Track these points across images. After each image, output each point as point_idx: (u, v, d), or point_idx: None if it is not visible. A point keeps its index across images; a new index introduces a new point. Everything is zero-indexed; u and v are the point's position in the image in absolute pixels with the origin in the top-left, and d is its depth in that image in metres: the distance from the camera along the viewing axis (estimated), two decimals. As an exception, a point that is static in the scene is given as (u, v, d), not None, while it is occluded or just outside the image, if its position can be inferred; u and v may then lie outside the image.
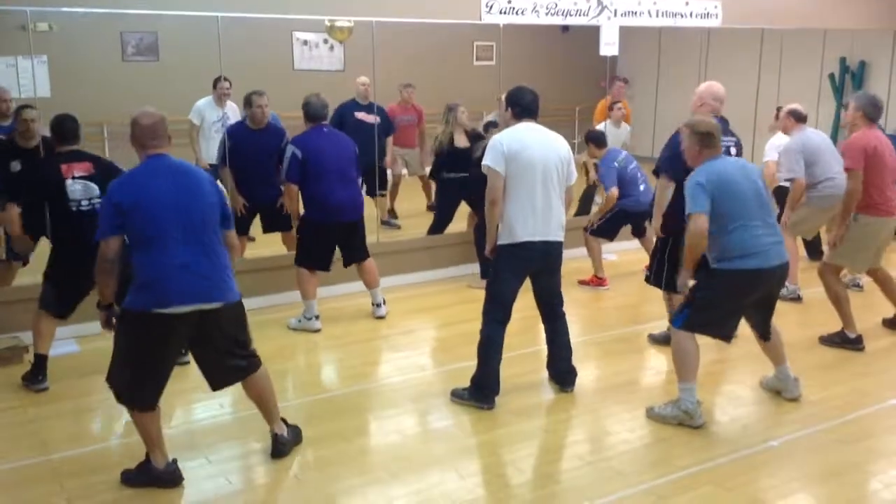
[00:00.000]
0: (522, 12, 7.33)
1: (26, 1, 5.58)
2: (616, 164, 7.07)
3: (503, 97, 4.89)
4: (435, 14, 7.06)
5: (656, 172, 5.24)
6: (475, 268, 7.20)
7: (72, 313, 5.00)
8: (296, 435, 4.22)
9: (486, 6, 7.14)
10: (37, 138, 5.58)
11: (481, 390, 4.67)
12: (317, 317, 5.98)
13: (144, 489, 3.80)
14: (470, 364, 4.74)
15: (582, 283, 7.14)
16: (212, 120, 7.74)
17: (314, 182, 5.79)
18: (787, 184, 6.67)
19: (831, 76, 11.13)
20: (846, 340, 5.60)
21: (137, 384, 3.71)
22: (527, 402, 4.81)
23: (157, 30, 10.34)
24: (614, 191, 6.98)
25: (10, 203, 4.81)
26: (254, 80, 8.25)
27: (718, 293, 4.34)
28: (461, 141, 7.28)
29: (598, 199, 8.29)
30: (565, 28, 9.39)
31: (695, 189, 4.25)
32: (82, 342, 5.64)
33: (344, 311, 6.38)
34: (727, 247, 4.28)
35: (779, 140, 7.31)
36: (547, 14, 7.46)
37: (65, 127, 4.83)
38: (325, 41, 11.47)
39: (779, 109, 7.38)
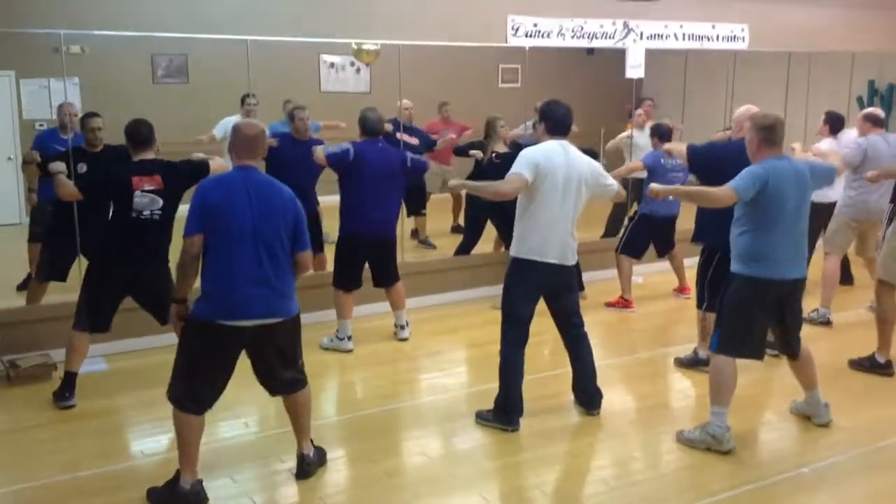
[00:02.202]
0: (548, 35, 7.36)
1: (60, 24, 5.70)
2: (662, 160, 6.92)
3: (537, 107, 4.87)
4: (461, 37, 7.11)
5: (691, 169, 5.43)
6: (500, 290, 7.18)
7: (110, 324, 4.97)
8: (321, 457, 4.21)
9: (512, 29, 7.19)
10: (101, 144, 5.84)
11: (505, 412, 4.64)
12: (349, 337, 6.00)
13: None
14: (496, 385, 4.71)
15: (609, 304, 7.11)
16: None
17: (355, 191, 5.83)
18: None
19: (859, 99, 11.03)
20: (875, 365, 5.51)
21: (193, 388, 3.77)
22: (552, 425, 4.77)
23: (187, 52, 10.46)
24: (638, 163, 6.99)
25: (81, 190, 4.88)
26: (281, 101, 8.35)
27: (737, 301, 4.31)
28: (500, 148, 7.29)
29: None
30: (591, 51, 9.39)
31: (752, 175, 4.16)
32: (111, 360, 5.68)
33: (372, 331, 6.37)
34: (746, 246, 4.25)
35: (825, 145, 7.18)
36: (573, 37, 7.50)
37: (139, 133, 4.86)
38: (352, 64, 11.56)
39: (827, 114, 7.40)
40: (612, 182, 4.70)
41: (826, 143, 7.28)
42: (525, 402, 4.67)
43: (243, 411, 4.16)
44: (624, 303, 7.06)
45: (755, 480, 4.08)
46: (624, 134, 8.63)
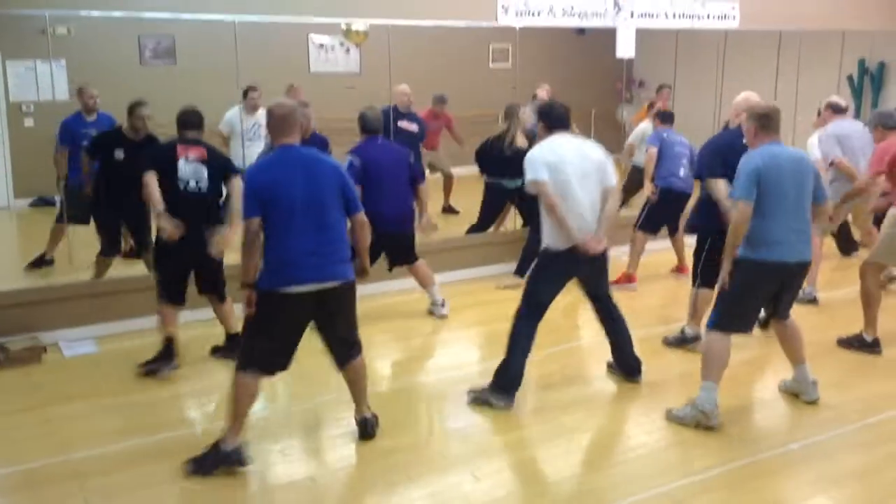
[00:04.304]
0: (538, 14, 7.33)
1: (45, 5, 5.64)
2: (665, 134, 7.10)
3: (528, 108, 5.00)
4: (451, 16, 7.07)
5: (699, 177, 5.44)
6: (504, 268, 7.23)
7: (185, 295, 5.18)
8: (377, 419, 4.38)
9: (503, 8, 7.15)
10: (144, 133, 5.92)
11: (504, 383, 4.67)
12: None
13: (164, 490, 3.83)
14: (490, 366, 4.73)
15: (613, 282, 7.08)
16: (245, 128, 7.80)
17: (368, 192, 5.81)
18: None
19: (850, 78, 11.04)
20: (863, 344, 5.56)
21: (264, 354, 3.97)
22: (543, 404, 4.80)
23: (174, 33, 10.39)
24: (652, 149, 7.04)
25: (146, 172, 4.95)
26: (270, 82, 8.32)
27: (743, 286, 4.37)
28: (521, 142, 7.29)
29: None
30: (581, 30, 9.38)
31: (746, 175, 4.28)
32: (101, 342, 5.67)
33: (369, 313, 6.31)
34: (752, 232, 4.30)
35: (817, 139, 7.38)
36: (563, 16, 7.46)
37: (189, 117, 5.09)
38: (342, 44, 11.49)
39: (827, 104, 7.46)
40: (614, 179, 4.74)
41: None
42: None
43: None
44: (626, 278, 7.09)
45: (744, 457, 4.11)
46: (640, 127, 8.58)
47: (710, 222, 5.16)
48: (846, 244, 7.72)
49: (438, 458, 4.19)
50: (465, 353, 5.82)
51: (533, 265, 4.88)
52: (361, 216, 4.11)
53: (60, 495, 3.82)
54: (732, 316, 4.44)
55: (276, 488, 3.96)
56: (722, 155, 5.08)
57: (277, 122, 3.97)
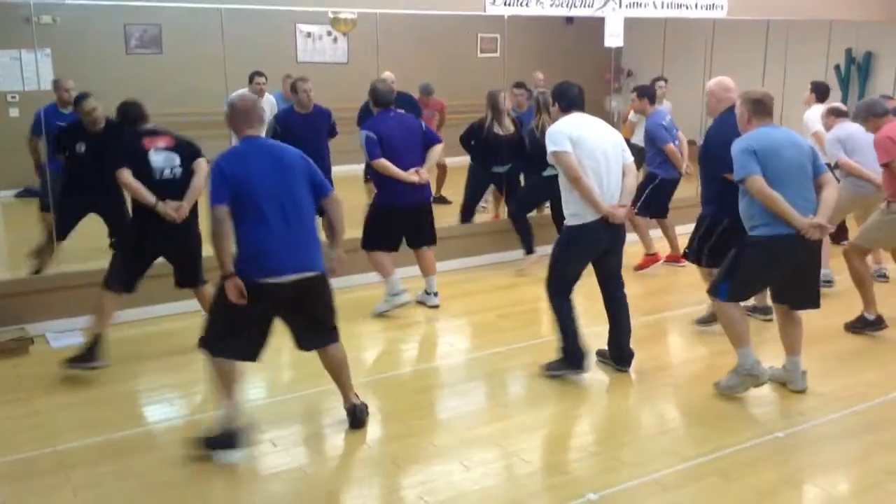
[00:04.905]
0: (527, 4, 7.30)
1: (30, -7, 5.59)
2: (664, 122, 7.13)
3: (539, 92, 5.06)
4: (439, 6, 7.04)
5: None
6: (504, 256, 7.29)
7: (131, 289, 5.11)
8: (366, 407, 4.39)
9: (491, -3, 7.12)
10: (102, 122, 5.90)
11: (574, 356, 4.85)
12: (403, 291, 6.11)
13: (152, 480, 3.82)
14: (488, 353, 4.85)
15: (638, 268, 7.22)
16: None
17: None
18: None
19: (837, 67, 11.09)
20: (866, 324, 5.64)
21: (232, 343, 3.98)
22: (531, 392, 4.81)
23: (160, 22, 10.33)
24: (670, 146, 7.04)
25: (119, 170, 4.91)
26: (258, 70, 8.27)
27: (758, 261, 4.45)
28: (506, 127, 7.35)
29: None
30: (570, 20, 9.37)
31: (743, 155, 4.35)
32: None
33: (359, 303, 6.32)
34: (763, 211, 4.35)
35: (815, 113, 7.49)
36: (552, 5, 7.44)
37: (129, 114, 5.10)
38: (329, 33, 11.45)
39: (813, 83, 7.88)
40: (630, 156, 4.86)
41: (814, 111, 7.52)
42: (507, 371, 4.72)
43: (252, 373, 4.16)
44: (651, 258, 7.22)
45: (732, 445, 4.13)
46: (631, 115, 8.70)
47: (721, 209, 5.16)
48: (837, 232, 7.67)
49: (428, 447, 4.18)
50: (455, 342, 5.81)
51: (556, 243, 4.94)
52: (333, 194, 4.13)
53: (48, 486, 3.80)
54: (743, 289, 4.56)
55: (266, 478, 3.94)
56: (722, 147, 4.90)
57: (239, 115, 4.01)
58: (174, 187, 4.98)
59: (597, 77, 11.32)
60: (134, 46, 10.47)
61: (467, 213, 7.79)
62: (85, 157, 5.86)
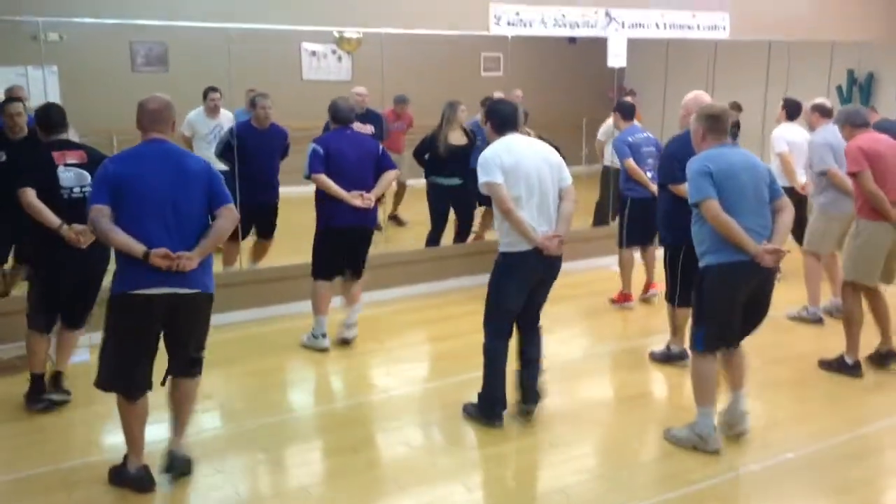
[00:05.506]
0: (530, 24, 7.35)
1: (38, 11, 5.63)
2: (630, 138, 6.75)
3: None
4: (443, 26, 7.09)
5: (662, 185, 5.28)
6: (478, 279, 7.24)
7: (55, 322, 4.81)
8: (189, 462, 4.06)
9: (495, 18, 7.17)
10: (24, 131, 5.48)
11: (490, 407, 4.58)
12: (324, 335, 5.82)
13: (155, 500, 3.82)
14: (474, 376, 4.67)
15: (612, 301, 6.94)
16: (203, 132, 7.73)
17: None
18: (801, 180, 6.75)
19: (839, 88, 11.11)
20: (843, 366, 5.36)
21: (121, 369, 3.78)
22: (534, 415, 4.78)
23: (166, 40, 10.38)
24: (629, 161, 6.64)
25: (22, 189, 4.50)
26: (263, 89, 8.30)
27: (717, 295, 4.17)
28: (457, 138, 7.34)
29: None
30: (572, 40, 9.39)
31: (698, 177, 4.11)
32: (95, 351, 5.60)
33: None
34: (715, 236, 4.12)
35: (783, 131, 7.29)
36: (555, 26, 7.49)
37: (51, 115, 4.74)
38: (334, 52, 11.51)
39: (784, 100, 7.48)
40: (569, 178, 4.51)
41: (783, 129, 7.32)
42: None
43: (227, 404, 4.17)
44: (623, 297, 6.92)
45: (734, 469, 4.12)
46: (606, 124, 8.65)
47: (675, 235, 5.02)
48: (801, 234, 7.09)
49: (429, 468, 4.18)
50: (444, 364, 5.68)
51: (492, 272, 4.55)
52: (229, 206, 3.84)
53: (50, 505, 3.80)
54: (714, 336, 4.23)
55: (268, 497, 3.95)
56: (679, 161, 4.72)
57: (146, 115, 3.79)
58: (83, 207, 4.16)
59: (600, 96, 11.37)
60: (140, 64, 10.53)
61: (434, 238, 7.60)
62: (5, 166, 5.39)
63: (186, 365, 3.94)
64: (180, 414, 4.02)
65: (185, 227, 3.71)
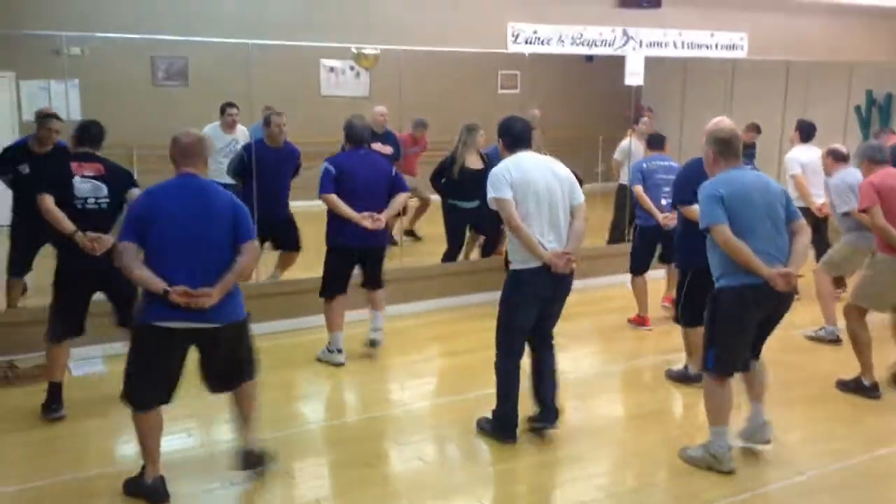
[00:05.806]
0: (548, 42, 7.39)
1: (61, 26, 5.72)
2: (645, 164, 6.76)
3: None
4: (461, 43, 7.14)
5: (674, 206, 5.30)
6: (491, 296, 7.22)
7: (82, 328, 4.89)
8: (265, 456, 4.17)
9: (512, 35, 7.21)
10: (50, 146, 5.73)
11: (504, 425, 4.57)
12: (339, 350, 5.83)
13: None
14: (489, 392, 4.67)
15: (630, 321, 6.92)
16: (219, 146, 7.75)
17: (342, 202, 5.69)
18: (818, 201, 6.83)
19: (857, 108, 11.08)
20: (860, 387, 5.33)
21: (139, 388, 3.88)
22: (548, 432, 4.76)
23: (187, 55, 10.48)
24: (637, 188, 6.66)
25: (40, 196, 4.66)
26: (281, 105, 8.37)
27: (727, 315, 4.14)
28: (473, 162, 7.29)
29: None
30: (590, 58, 9.45)
31: (709, 201, 4.10)
32: (110, 362, 5.65)
33: (362, 337, 6.30)
34: (728, 260, 4.10)
35: (797, 153, 7.35)
36: (572, 44, 7.53)
37: (89, 130, 4.87)
38: (352, 68, 11.59)
39: (798, 122, 7.56)
40: (581, 196, 4.50)
41: (797, 151, 7.39)
42: (520, 409, 4.64)
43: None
44: (640, 320, 6.88)
45: (751, 489, 4.09)
46: (623, 144, 8.66)
47: (688, 258, 5.04)
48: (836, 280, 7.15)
49: (444, 484, 4.18)
50: (460, 379, 5.67)
51: (503, 289, 4.53)
52: (251, 243, 3.93)
53: (66, 515, 3.82)
54: (727, 358, 4.20)
55: (281, 511, 3.96)
56: (692, 183, 4.70)
57: (178, 150, 3.88)
58: (97, 218, 4.65)
59: (617, 114, 11.38)
60: (161, 78, 10.63)
61: (450, 257, 7.61)
62: (29, 179, 5.54)
63: (236, 379, 4.05)
64: (245, 413, 4.13)
65: (208, 262, 3.78)
